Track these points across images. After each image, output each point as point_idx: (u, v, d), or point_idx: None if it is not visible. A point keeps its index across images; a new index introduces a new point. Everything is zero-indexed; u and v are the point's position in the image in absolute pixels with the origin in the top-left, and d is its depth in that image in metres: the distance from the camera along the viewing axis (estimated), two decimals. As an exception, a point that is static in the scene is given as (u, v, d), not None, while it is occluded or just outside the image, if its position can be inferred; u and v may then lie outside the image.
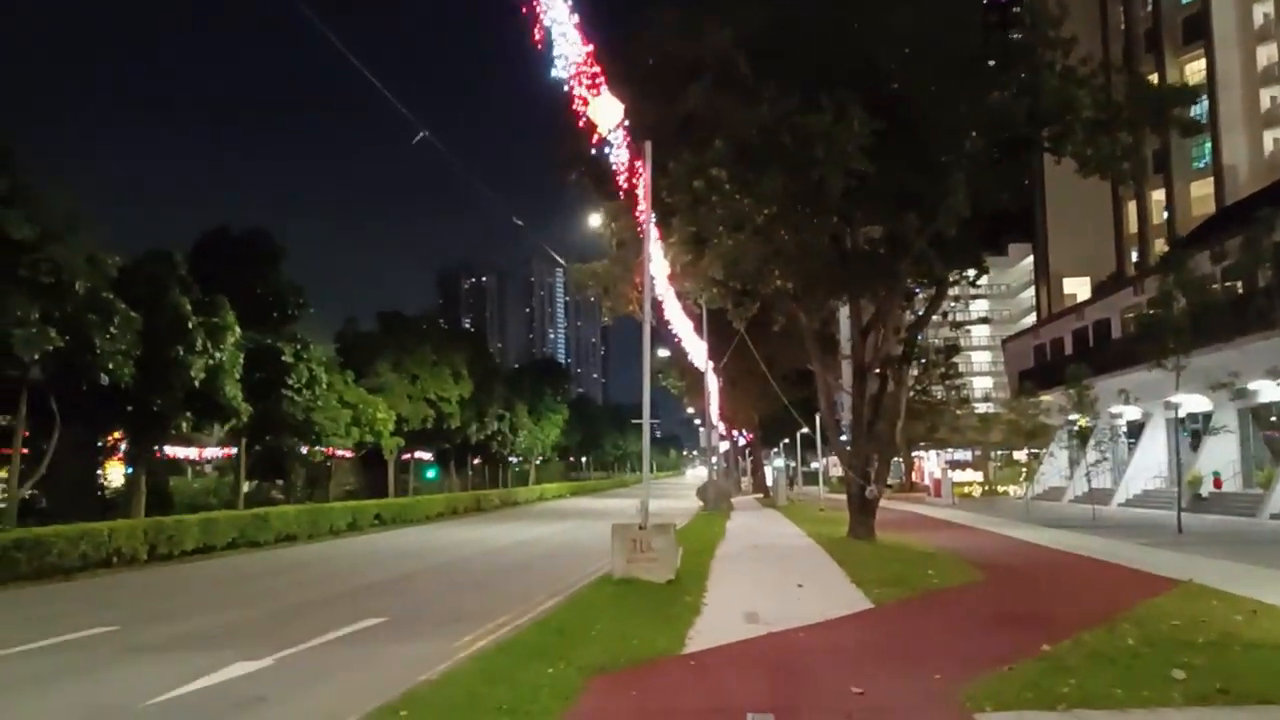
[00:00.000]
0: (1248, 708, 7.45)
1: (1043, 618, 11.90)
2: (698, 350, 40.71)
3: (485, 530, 34.87)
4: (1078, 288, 69.76)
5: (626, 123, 17.17)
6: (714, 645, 10.33)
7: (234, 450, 35.13)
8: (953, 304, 59.39)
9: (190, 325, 25.86)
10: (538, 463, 79.09)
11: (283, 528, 28.88)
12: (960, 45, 19.11)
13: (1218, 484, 35.99)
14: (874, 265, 24.10)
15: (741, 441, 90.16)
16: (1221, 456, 36.22)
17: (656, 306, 25.44)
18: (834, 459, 56.09)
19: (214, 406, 27.89)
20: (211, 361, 26.80)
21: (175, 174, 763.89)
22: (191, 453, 39.32)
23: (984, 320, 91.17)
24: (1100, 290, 56.89)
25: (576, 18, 14.39)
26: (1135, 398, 37.04)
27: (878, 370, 25.48)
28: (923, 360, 59.88)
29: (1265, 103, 58.28)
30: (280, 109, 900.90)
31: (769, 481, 71.59)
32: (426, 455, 56.68)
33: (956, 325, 72.18)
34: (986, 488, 60.46)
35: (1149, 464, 41.38)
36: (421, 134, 15.65)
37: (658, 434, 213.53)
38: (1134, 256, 64.84)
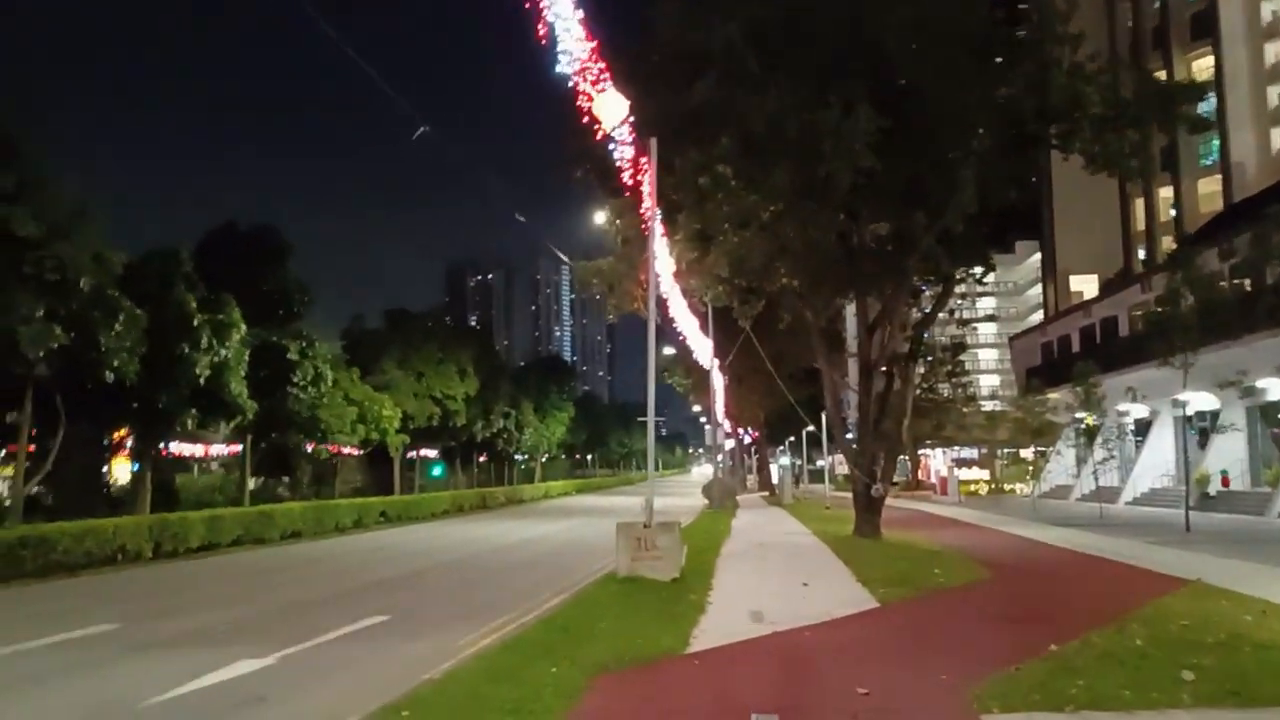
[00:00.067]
0: (1258, 710, 7.37)
1: (1050, 617, 11.83)
2: (703, 348, 40.65)
3: (490, 528, 34.86)
4: (1085, 285, 69.41)
5: (632, 119, 17.12)
6: (719, 644, 10.27)
7: (240, 447, 35.13)
8: (959, 301, 59.17)
9: (195, 322, 25.84)
10: (543, 460, 79.08)
11: (288, 525, 28.89)
12: (968, 37, 19.00)
13: (1225, 482, 35.86)
14: (881, 262, 24.03)
15: (747, 439, 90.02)
16: (1229, 455, 36.06)
17: (661, 304, 25.39)
18: (840, 457, 56.01)
19: (219, 403, 27.87)
20: (217, 358, 26.78)
21: (179, 174, 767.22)
22: (197, 450, 39.30)
23: (991, 318, 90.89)
24: (1108, 287, 56.65)
25: (581, 13, 14.32)
26: (1143, 395, 36.91)
27: (884, 368, 25.39)
28: (929, 358, 59.70)
29: (1273, 99, 57.92)
30: (284, 110, 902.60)
31: (774, 479, 71.49)
32: (432, 453, 56.63)
33: (963, 323, 71.90)
34: (993, 486, 60.34)
35: (1156, 462, 41.25)
36: (421, 129, 15.63)
37: (663, 432, 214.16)
38: (1141, 254, 64.50)
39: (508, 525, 36.11)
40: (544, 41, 14.18)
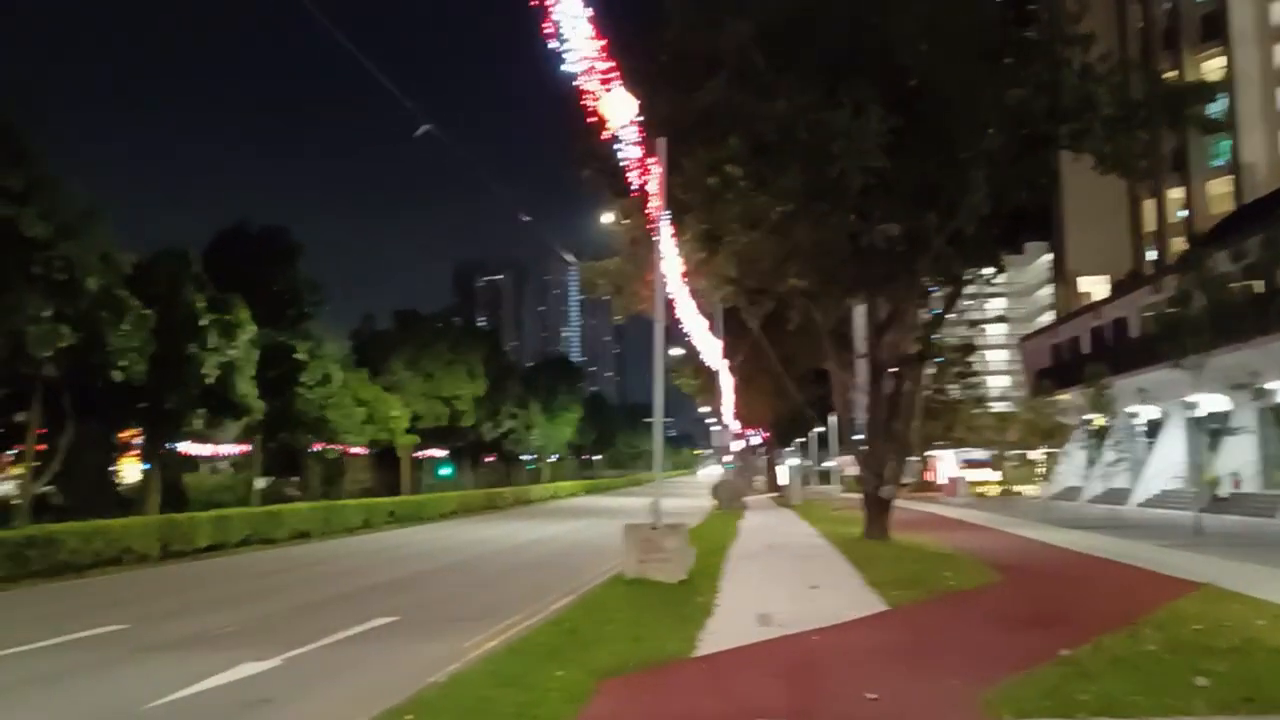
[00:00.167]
0: (1273, 717, 7.26)
1: (1061, 621, 11.71)
2: (711, 349, 40.55)
3: (498, 528, 34.83)
4: (1095, 286, 69.05)
5: (641, 118, 17.04)
6: (726, 648, 10.19)
7: (249, 447, 35.21)
8: (969, 302, 59.12)
9: (203, 322, 25.90)
10: (551, 461, 79.06)
11: (296, 525, 28.89)
12: (978, 38, 18.91)
13: (1236, 484, 35.63)
14: (892, 263, 23.91)
15: (756, 440, 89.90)
16: (1240, 457, 35.83)
17: (669, 305, 25.31)
18: (848, 458, 55.86)
19: (227, 403, 27.94)
20: (225, 359, 26.83)
21: (185, 177, 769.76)
22: (206, 449, 39.43)
23: (1001, 319, 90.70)
24: (1118, 289, 56.38)
25: (590, 11, 14.25)
26: (1153, 397, 36.70)
27: (894, 369, 25.27)
28: (939, 359, 59.46)
29: (1284, 101, 57.76)
30: (292, 112, 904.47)
31: (783, 480, 71.32)
32: (441, 453, 56.70)
33: (973, 324, 71.86)
34: (1003, 487, 60.11)
35: (1167, 464, 40.94)
36: (424, 127, 15.59)
37: (671, 433, 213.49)
38: (1152, 255, 64.28)
39: (515, 526, 36.09)
40: (552, 40, 14.11)
